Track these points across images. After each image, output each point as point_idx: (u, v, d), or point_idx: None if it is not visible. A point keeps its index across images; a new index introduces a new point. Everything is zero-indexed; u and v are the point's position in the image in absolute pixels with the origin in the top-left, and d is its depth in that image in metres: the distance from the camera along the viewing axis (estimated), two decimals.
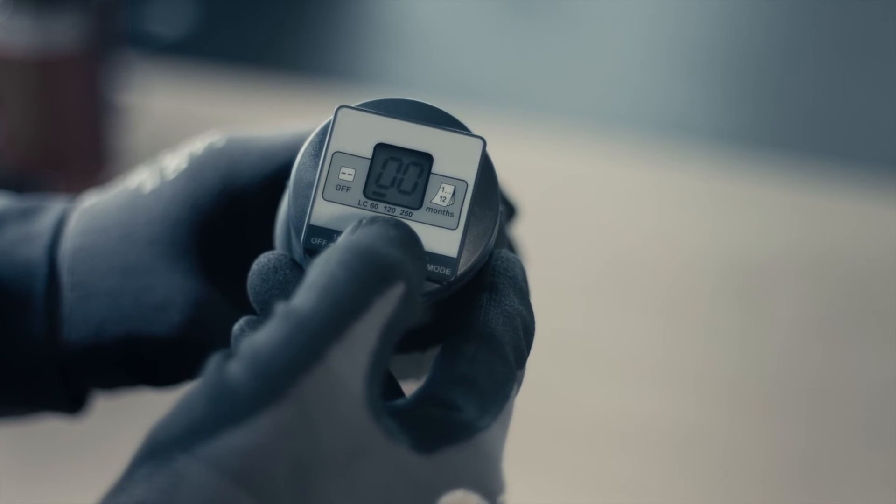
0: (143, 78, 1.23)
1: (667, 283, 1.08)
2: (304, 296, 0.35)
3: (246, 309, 0.41)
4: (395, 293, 0.35)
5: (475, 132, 0.40)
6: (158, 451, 0.32)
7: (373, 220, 0.37)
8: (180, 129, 1.19)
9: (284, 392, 0.33)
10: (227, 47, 2.18)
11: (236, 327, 0.39)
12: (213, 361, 0.34)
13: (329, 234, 0.38)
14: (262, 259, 0.39)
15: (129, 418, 0.86)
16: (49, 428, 0.77)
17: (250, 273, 0.39)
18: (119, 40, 1.10)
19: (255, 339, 0.34)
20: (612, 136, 1.44)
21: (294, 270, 0.39)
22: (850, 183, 1.24)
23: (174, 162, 0.46)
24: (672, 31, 2.48)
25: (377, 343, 0.35)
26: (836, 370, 1.01)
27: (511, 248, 0.46)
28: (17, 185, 1.02)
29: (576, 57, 2.37)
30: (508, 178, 0.47)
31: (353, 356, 0.34)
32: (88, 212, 0.47)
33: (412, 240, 0.37)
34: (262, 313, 0.39)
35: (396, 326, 0.36)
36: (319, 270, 0.35)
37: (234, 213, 0.45)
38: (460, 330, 0.38)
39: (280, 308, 0.34)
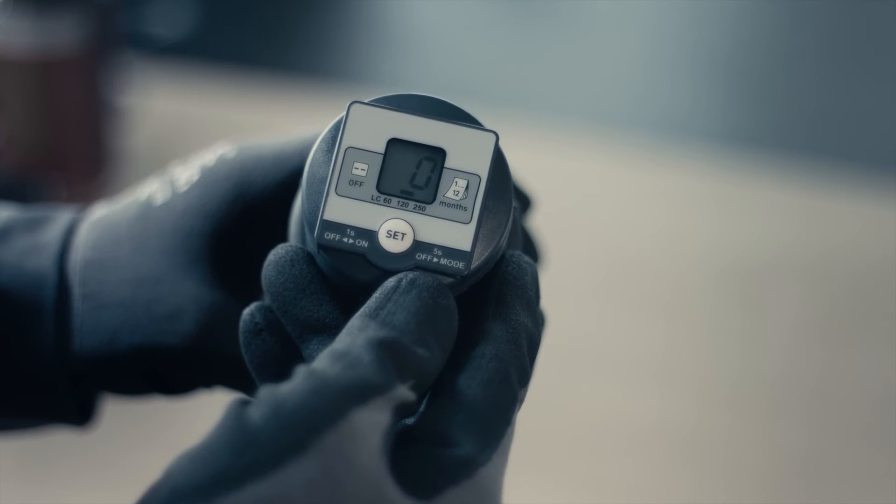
0: (142, 79, 1.23)
1: (668, 285, 1.08)
2: (328, 363, 0.35)
3: None
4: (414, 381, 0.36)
5: (487, 126, 0.40)
6: (180, 499, 0.32)
7: (410, 287, 0.37)
8: (180, 130, 1.19)
9: (308, 444, 0.32)
10: (227, 48, 2.18)
11: (246, 312, 0.39)
12: (233, 407, 0.34)
13: (342, 230, 0.38)
14: (279, 250, 0.39)
15: (129, 420, 0.86)
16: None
17: (266, 263, 0.39)
18: (119, 41, 1.09)
19: (279, 390, 0.34)
20: (614, 138, 1.44)
21: (311, 266, 0.39)
22: (852, 184, 1.23)
23: (185, 174, 0.46)
24: (674, 33, 2.48)
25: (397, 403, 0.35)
26: (837, 371, 1.01)
27: (528, 240, 0.45)
28: (17, 186, 1.01)
29: (577, 58, 2.37)
30: None
31: (373, 415, 0.34)
32: (98, 224, 0.46)
33: (446, 318, 0.37)
34: (273, 304, 0.39)
35: (418, 390, 0.36)
36: (349, 343, 0.35)
37: (247, 221, 0.45)
38: (459, 351, 0.37)
39: (302, 369, 0.34)
